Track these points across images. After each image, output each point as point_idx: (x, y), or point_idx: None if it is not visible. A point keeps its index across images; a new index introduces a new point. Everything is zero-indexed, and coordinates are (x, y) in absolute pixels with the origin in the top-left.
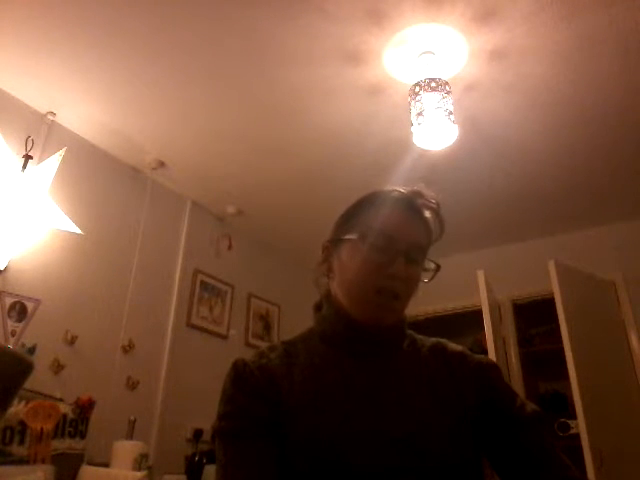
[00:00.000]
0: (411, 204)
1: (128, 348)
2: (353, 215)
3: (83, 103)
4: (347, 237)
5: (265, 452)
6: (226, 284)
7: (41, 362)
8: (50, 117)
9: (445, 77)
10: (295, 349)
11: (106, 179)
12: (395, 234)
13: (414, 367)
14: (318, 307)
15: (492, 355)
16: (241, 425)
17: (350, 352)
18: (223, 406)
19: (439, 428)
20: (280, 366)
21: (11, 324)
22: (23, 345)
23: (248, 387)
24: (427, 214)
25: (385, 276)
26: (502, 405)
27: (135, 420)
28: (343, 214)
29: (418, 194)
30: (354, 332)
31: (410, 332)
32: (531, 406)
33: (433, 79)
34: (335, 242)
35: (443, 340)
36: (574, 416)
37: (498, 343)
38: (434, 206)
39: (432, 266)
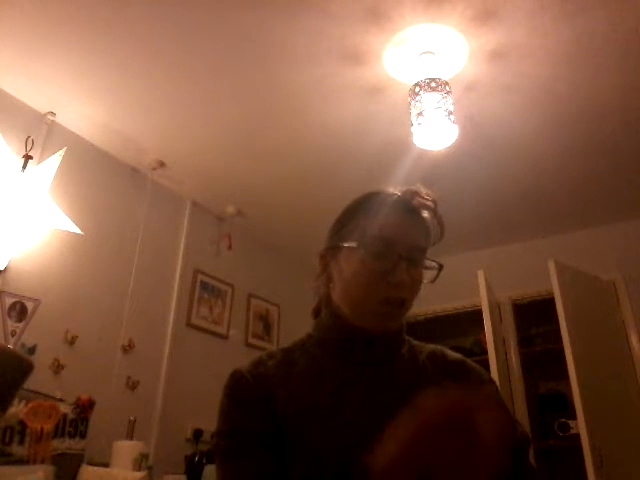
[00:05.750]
0: (408, 205)
1: (128, 348)
2: (349, 221)
3: (83, 103)
4: (345, 245)
5: (264, 468)
6: (226, 284)
7: (41, 362)
8: (50, 117)
9: (445, 77)
10: (293, 356)
11: (106, 179)
12: (394, 238)
13: (412, 374)
14: (316, 312)
15: (492, 355)
16: (239, 443)
17: (348, 360)
18: (221, 424)
19: None
20: (277, 375)
21: (11, 324)
22: (23, 345)
23: (245, 402)
24: (425, 214)
25: (390, 285)
26: None
27: (135, 420)
28: (338, 219)
29: (415, 194)
30: (354, 341)
31: (408, 338)
32: (521, 428)
33: (433, 79)
34: (332, 250)
35: (441, 347)
36: (574, 416)
37: (498, 343)
38: (432, 205)
39: (434, 265)
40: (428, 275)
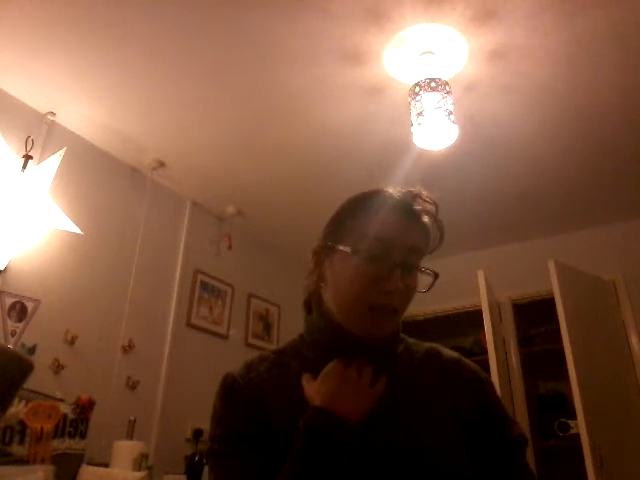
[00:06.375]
0: (408, 208)
1: (128, 348)
2: (345, 220)
3: (83, 103)
4: (340, 247)
5: (257, 470)
6: (226, 284)
7: (41, 362)
8: (50, 117)
9: (445, 77)
10: (285, 358)
11: (106, 179)
12: (392, 241)
13: (408, 374)
14: (308, 308)
15: (492, 355)
16: (232, 446)
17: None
18: (214, 427)
19: (433, 436)
20: (269, 379)
21: (11, 324)
22: (23, 345)
23: (238, 406)
24: (425, 219)
25: (382, 292)
26: (496, 425)
27: (135, 420)
28: (335, 217)
29: (415, 196)
30: (346, 344)
31: (403, 336)
32: (518, 429)
33: (433, 79)
34: (327, 249)
35: (437, 345)
36: (574, 416)
37: (498, 343)
38: (432, 209)
39: (430, 272)
40: (423, 282)
